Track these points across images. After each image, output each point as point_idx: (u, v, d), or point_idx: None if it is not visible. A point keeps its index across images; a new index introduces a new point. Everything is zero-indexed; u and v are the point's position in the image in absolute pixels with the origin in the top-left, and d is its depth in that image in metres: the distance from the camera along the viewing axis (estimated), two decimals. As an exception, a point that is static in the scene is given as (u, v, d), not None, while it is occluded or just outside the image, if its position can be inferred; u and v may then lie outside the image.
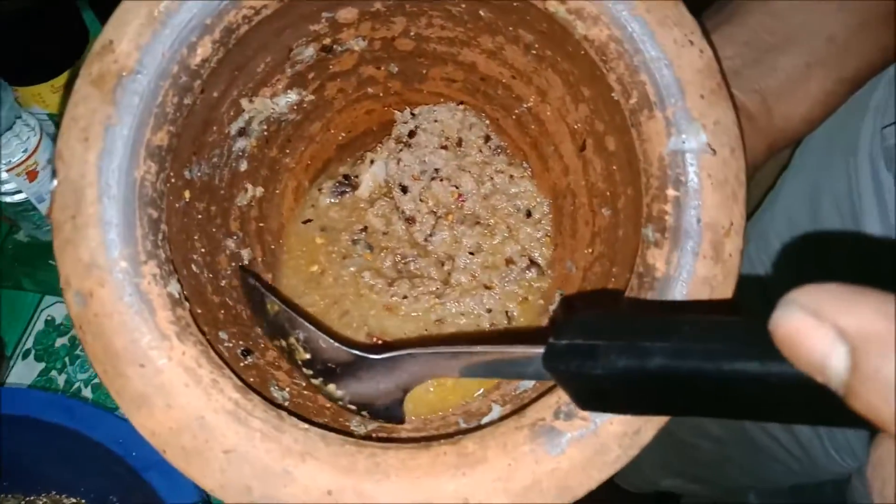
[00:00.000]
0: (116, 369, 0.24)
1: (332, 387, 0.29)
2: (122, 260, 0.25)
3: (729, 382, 0.18)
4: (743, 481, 0.78)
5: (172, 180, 0.30)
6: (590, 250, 0.37)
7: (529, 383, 0.32)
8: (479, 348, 0.26)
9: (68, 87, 0.57)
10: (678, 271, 0.27)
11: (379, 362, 0.28)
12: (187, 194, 0.32)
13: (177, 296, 0.26)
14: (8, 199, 0.54)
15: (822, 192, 0.55)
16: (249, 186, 0.38)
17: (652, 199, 0.28)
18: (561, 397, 0.26)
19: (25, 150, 0.52)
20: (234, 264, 0.36)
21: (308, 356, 0.29)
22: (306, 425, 0.25)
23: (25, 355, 0.55)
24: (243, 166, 0.37)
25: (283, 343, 0.30)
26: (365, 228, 0.41)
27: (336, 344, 0.29)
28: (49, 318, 0.57)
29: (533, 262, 0.39)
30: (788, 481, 0.69)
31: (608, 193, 0.36)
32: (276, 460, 0.24)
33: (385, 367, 0.28)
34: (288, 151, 0.40)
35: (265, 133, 0.38)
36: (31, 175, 0.53)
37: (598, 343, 0.22)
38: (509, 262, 0.39)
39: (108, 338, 0.24)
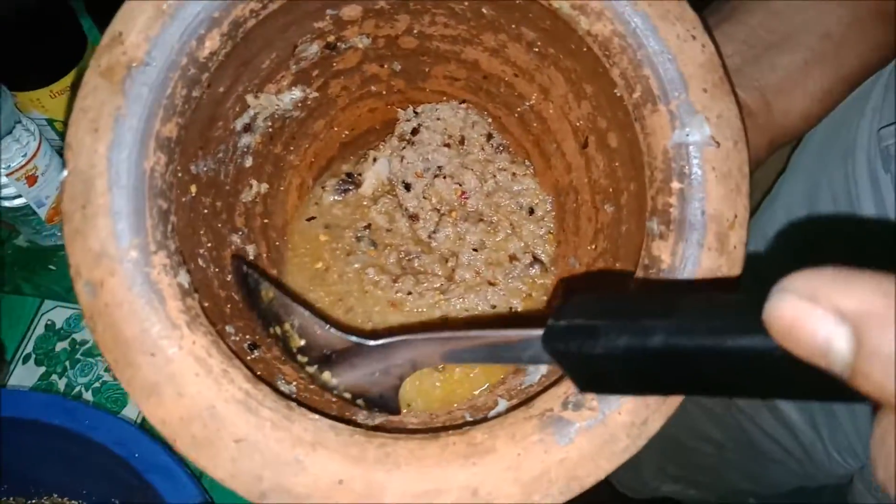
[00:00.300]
0: (127, 358, 0.24)
1: (326, 374, 0.28)
2: (132, 250, 0.25)
3: (733, 359, 0.18)
4: (743, 486, 0.78)
5: (179, 174, 0.30)
6: (593, 246, 0.37)
7: (535, 377, 0.33)
8: (475, 333, 0.26)
9: (71, 91, 0.57)
10: (683, 263, 0.27)
11: (374, 349, 0.28)
12: (193, 189, 0.32)
13: (186, 286, 0.26)
14: (7, 203, 0.54)
15: (821, 192, 0.56)
16: (254, 183, 0.38)
17: (656, 192, 0.29)
18: (569, 388, 0.26)
19: (25, 155, 0.52)
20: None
21: (303, 342, 0.29)
22: (316, 416, 0.25)
23: (26, 359, 0.55)
24: (248, 162, 0.37)
25: (278, 330, 0.29)
26: (369, 226, 0.41)
27: (331, 329, 0.29)
28: (49, 322, 0.57)
29: (536, 259, 0.39)
30: (789, 485, 0.70)
31: (611, 190, 0.36)
32: (287, 449, 0.24)
33: (380, 354, 0.28)
34: (292, 149, 0.40)
35: (270, 130, 0.38)
36: (31, 180, 0.53)
37: (597, 323, 0.21)
38: (513, 258, 0.39)
39: (119, 327, 0.24)
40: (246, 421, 0.24)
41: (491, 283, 0.38)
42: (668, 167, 0.28)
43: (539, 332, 0.24)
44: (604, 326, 0.21)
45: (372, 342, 0.28)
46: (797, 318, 0.16)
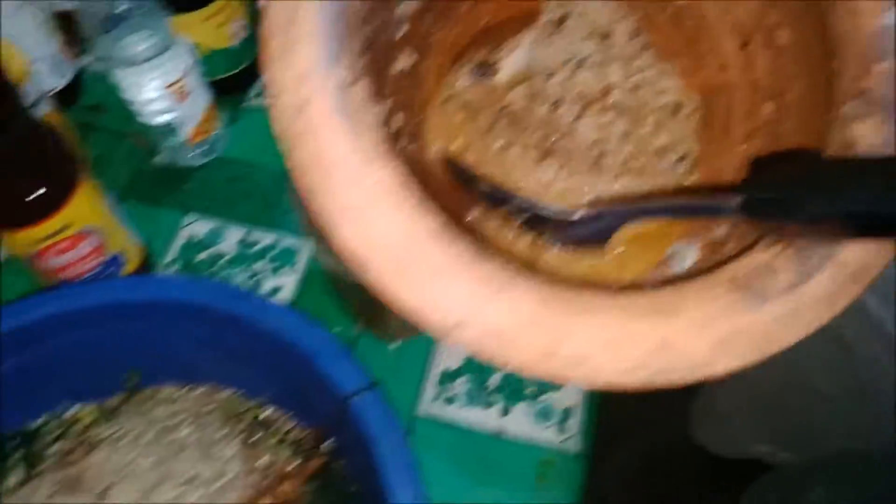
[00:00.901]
0: (323, 184, 0.24)
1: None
2: (336, 74, 0.25)
3: None
4: (844, 444, 0.74)
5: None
6: (745, 146, 0.36)
7: (684, 264, 0.32)
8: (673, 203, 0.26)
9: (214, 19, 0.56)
10: (888, 141, 0.26)
11: (584, 219, 0.33)
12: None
13: (384, 118, 0.26)
14: (152, 120, 0.54)
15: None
16: (402, 56, 0.37)
17: (858, 75, 0.28)
18: (753, 259, 0.26)
19: (180, 71, 0.52)
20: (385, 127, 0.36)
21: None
22: (505, 257, 0.25)
23: (169, 266, 0.55)
24: (400, 33, 0.37)
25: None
26: (506, 107, 0.40)
27: (544, 205, 0.34)
28: (191, 234, 0.56)
29: (682, 157, 0.38)
30: None
31: (774, 88, 0.35)
32: (479, 286, 0.24)
33: (590, 221, 0.33)
34: (439, 26, 0.40)
35: (422, 2, 0.37)
36: (182, 96, 0.53)
37: (799, 193, 0.23)
38: (659, 152, 0.38)
39: (318, 152, 0.24)
40: (441, 253, 0.24)
41: (638, 175, 0.37)
42: (873, 49, 0.27)
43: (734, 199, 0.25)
44: (807, 196, 0.22)
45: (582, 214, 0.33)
46: None
